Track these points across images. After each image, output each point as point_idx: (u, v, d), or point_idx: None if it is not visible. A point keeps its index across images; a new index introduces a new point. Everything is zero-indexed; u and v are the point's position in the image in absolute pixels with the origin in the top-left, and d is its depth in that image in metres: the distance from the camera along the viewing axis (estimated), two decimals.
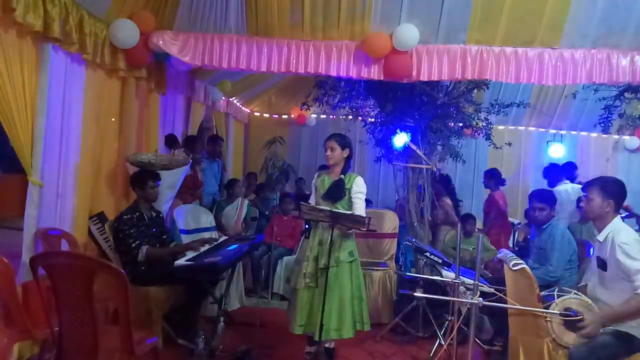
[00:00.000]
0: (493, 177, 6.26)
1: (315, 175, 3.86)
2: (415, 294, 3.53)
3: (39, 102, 3.48)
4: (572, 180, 5.97)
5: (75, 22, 3.63)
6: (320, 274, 3.50)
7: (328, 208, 3.41)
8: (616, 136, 8.29)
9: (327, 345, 3.75)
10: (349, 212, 3.41)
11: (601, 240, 2.86)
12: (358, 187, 3.61)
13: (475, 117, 5.56)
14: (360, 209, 3.55)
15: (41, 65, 3.49)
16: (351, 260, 3.61)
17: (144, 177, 3.90)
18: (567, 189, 5.56)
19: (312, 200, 3.81)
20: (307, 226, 3.76)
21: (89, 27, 3.79)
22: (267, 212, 6.62)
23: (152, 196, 3.91)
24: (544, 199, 3.81)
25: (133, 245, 3.67)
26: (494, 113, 5.84)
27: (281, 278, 5.41)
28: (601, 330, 2.70)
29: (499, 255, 3.40)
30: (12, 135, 3.29)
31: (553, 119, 8.25)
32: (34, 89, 3.43)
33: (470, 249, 5.12)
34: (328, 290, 3.45)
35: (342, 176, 3.66)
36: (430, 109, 5.17)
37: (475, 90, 5.45)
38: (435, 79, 4.37)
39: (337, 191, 3.59)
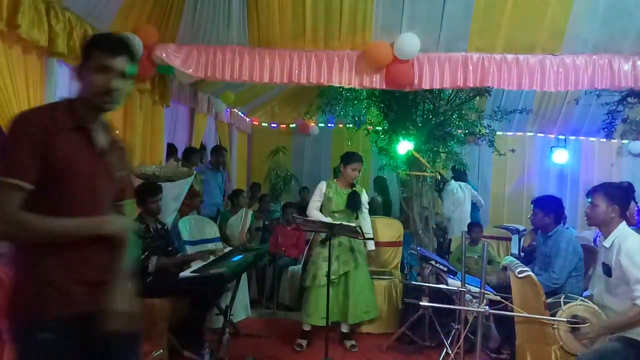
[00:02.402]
0: None
1: (325, 185, 4.19)
2: (421, 302, 3.54)
3: None
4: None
5: (79, 36, 3.65)
6: (342, 271, 4.07)
7: (324, 219, 3.82)
8: (620, 141, 8.26)
9: (343, 330, 4.26)
10: (338, 223, 3.73)
11: (607, 246, 2.84)
12: (365, 198, 4.30)
13: (478, 124, 5.57)
14: (368, 218, 4.30)
15: (46, 80, 3.50)
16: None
17: (142, 192, 3.88)
18: (457, 187, 5.74)
19: (315, 205, 4.14)
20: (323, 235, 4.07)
21: None
22: (267, 222, 6.60)
23: (154, 210, 3.91)
24: (544, 205, 3.77)
25: (142, 257, 3.67)
26: (496, 120, 5.85)
27: (286, 288, 5.40)
28: (609, 337, 2.68)
29: (504, 263, 3.39)
30: None
31: (556, 125, 8.23)
32: (39, 104, 3.45)
33: (476, 256, 5.09)
34: (351, 280, 4.10)
35: (355, 188, 4.22)
36: (432, 116, 5.18)
37: (478, 98, 5.46)
38: (437, 87, 4.39)
39: (357, 202, 4.18)
